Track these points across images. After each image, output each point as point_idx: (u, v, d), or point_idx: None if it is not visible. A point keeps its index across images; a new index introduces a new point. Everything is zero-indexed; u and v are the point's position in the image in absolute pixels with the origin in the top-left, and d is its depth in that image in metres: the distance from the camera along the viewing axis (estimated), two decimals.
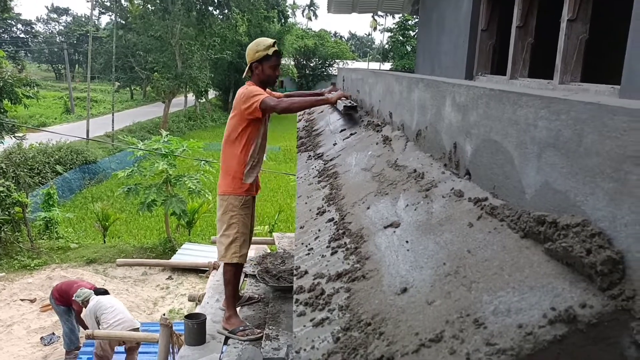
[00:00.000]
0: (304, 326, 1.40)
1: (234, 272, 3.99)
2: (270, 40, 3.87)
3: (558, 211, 1.15)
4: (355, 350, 1.17)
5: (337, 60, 62.38)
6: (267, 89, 4.09)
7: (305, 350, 1.28)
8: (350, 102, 3.66)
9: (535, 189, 1.27)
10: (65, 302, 7.87)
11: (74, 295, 7.39)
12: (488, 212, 1.43)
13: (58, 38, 71.77)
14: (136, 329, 6.88)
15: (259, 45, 3.85)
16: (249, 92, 3.75)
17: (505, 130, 1.45)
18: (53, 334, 9.42)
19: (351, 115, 3.61)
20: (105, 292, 7.66)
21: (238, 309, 4.28)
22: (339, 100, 3.99)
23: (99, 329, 6.69)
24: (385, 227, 1.75)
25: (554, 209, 1.17)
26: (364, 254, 1.64)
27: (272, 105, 3.66)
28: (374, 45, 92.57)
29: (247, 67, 3.93)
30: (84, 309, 7.48)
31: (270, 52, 3.81)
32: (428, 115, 2.26)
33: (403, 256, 1.48)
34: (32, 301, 11.05)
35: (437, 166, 2.01)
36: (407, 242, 1.56)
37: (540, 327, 0.93)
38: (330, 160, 3.25)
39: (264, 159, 4.18)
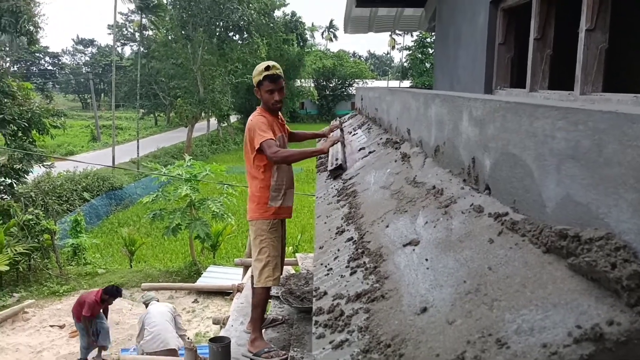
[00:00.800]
0: (323, 349, 1.37)
1: (263, 296, 3.98)
2: (264, 65, 3.85)
3: (580, 224, 1.11)
4: None
5: (356, 80, 62.58)
6: (280, 116, 4.12)
7: None
8: (336, 162, 3.61)
9: (556, 202, 1.23)
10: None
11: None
12: (509, 227, 1.39)
13: (84, 69, 73.91)
14: (172, 350, 6.97)
15: (256, 71, 3.86)
16: (255, 127, 3.77)
17: (523, 143, 1.41)
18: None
19: (338, 175, 3.56)
20: (117, 289, 8.41)
21: (262, 331, 4.26)
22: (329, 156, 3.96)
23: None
24: (404, 245, 1.72)
25: (576, 222, 1.13)
26: (383, 274, 1.61)
27: (269, 154, 3.67)
28: (393, 64, 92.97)
29: None
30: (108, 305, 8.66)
31: (261, 77, 3.80)
32: (445, 130, 2.24)
33: (422, 275, 1.45)
34: (61, 327, 11.18)
35: (456, 182, 1.98)
36: (426, 260, 1.52)
37: (565, 347, 0.88)
38: (349, 179, 3.23)
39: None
